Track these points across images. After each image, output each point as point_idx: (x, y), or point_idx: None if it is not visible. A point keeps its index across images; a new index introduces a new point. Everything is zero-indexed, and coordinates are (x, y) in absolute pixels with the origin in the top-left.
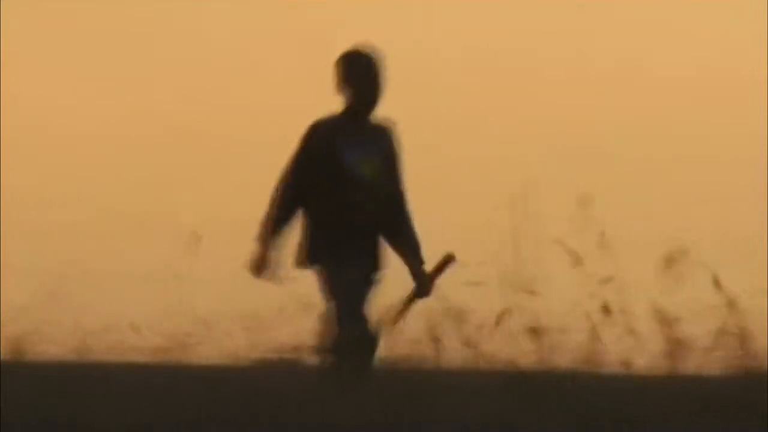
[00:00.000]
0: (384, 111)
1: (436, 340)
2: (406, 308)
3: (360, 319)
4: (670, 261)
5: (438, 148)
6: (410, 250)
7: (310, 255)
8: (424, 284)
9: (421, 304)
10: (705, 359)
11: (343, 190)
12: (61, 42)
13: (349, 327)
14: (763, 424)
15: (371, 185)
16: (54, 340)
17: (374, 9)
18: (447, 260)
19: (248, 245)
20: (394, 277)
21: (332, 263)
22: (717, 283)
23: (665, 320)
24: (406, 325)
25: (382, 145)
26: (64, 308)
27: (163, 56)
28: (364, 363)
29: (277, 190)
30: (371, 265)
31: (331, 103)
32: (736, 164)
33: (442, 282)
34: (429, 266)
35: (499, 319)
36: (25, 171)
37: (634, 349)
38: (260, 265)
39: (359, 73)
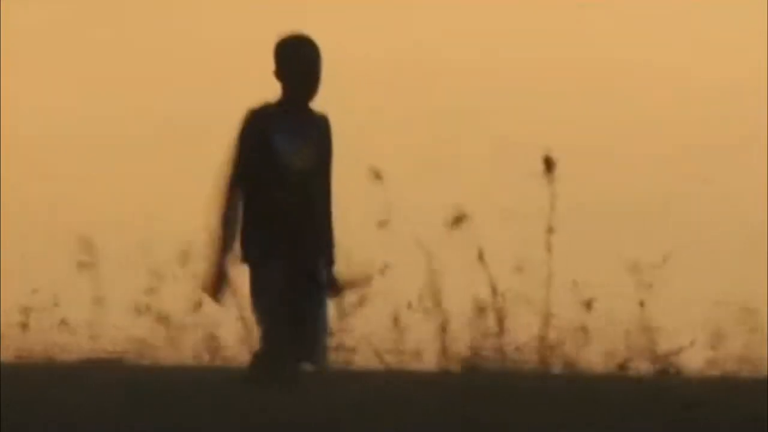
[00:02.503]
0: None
1: None
2: None
3: (280, 333)
4: None
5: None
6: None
7: (243, 251)
8: (331, 288)
9: None
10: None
11: (273, 180)
12: (60, 42)
13: (269, 340)
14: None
15: (300, 177)
16: None
17: (376, 10)
18: (364, 280)
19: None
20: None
21: (260, 262)
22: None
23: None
24: None
25: (315, 137)
26: None
27: (161, 57)
28: (287, 369)
29: (226, 187)
30: (304, 260)
31: (329, 102)
32: (737, 161)
33: None
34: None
35: None
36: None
37: None
38: (217, 286)
39: (295, 61)
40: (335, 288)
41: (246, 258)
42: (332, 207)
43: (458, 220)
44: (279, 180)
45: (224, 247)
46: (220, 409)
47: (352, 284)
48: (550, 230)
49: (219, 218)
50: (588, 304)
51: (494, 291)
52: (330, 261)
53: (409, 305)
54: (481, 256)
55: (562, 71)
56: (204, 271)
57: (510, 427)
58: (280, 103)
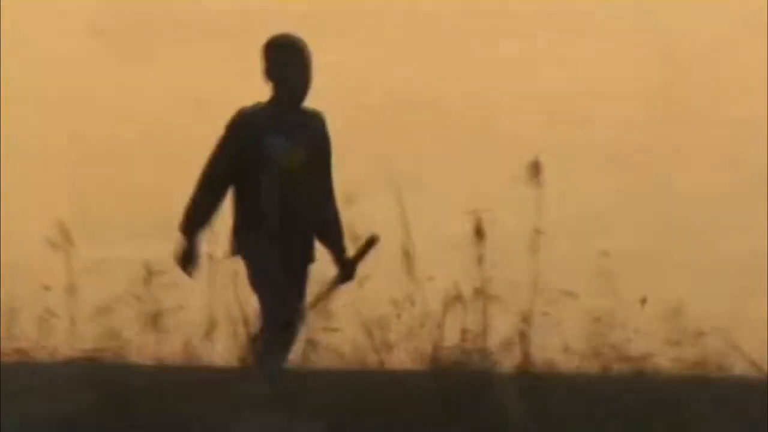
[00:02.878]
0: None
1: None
2: (327, 294)
3: (282, 314)
4: None
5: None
6: (332, 240)
7: (235, 244)
8: (346, 271)
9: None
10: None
11: (265, 180)
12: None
13: (270, 323)
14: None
15: (294, 176)
16: None
17: (381, 7)
18: (370, 243)
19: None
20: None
21: (254, 255)
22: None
23: None
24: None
25: (309, 135)
26: None
27: (160, 56)
28: (279, 357)
29: (201, 177)
30: (297, 258)
31: (325, 101)
32: (737, 161)
33: None
34: (352, 250)
35: None
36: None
37: None
38: (188, 259)
39: (284, 61)
40: (351, 268)
41: (241, 257)
42: (335, 197)
43: (479, 233)
44: (271, 181)
45: (196, 228)
46: (213, 409)
47: (361, 254)
48: (537, 231)
49: (195, 201)
50: (575, 304)
51: (479, 291)
52: (341, 250)
53: (394, 304)
54: (481, 259)
55: (558, 70)
56: (176, 245)
57: (493, 426)
58: (271, 104)
